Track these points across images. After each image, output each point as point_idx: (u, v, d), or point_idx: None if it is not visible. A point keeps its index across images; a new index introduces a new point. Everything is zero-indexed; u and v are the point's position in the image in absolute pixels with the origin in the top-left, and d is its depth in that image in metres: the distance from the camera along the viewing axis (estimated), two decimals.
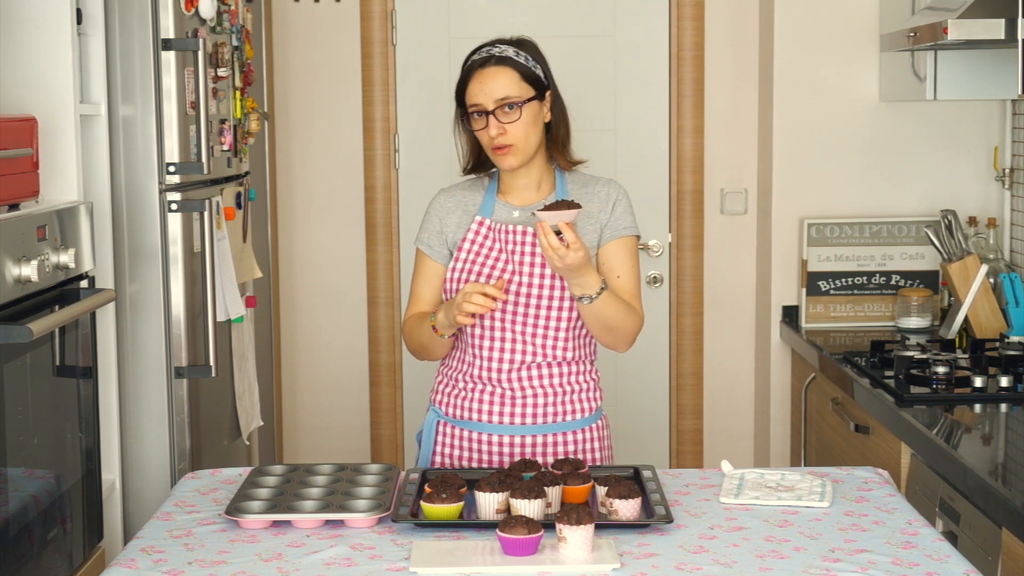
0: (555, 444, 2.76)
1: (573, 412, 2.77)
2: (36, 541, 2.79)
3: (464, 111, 2.73)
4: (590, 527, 2.15)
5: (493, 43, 2.73)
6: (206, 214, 3.38)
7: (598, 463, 2.80)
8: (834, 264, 4.29)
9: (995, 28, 3.32)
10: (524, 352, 2.72)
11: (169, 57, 3.32)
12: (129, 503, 3.43)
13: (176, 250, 3.38)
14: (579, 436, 2.78)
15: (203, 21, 3.47)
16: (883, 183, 4.32)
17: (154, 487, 3.41)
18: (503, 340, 2.72)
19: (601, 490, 2.39)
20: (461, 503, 2.35)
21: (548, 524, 2.23)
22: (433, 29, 4.57)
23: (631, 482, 2.37)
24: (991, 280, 3.92)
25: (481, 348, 2.74)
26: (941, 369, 3.31)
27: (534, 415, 2.75)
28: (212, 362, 3.42)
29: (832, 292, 4.29)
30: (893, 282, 4.28)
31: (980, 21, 3.33)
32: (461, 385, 2.78)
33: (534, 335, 2.72)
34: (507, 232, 2.72)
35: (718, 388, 4.67)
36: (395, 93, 4.59)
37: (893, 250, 4.28)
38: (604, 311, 2.64)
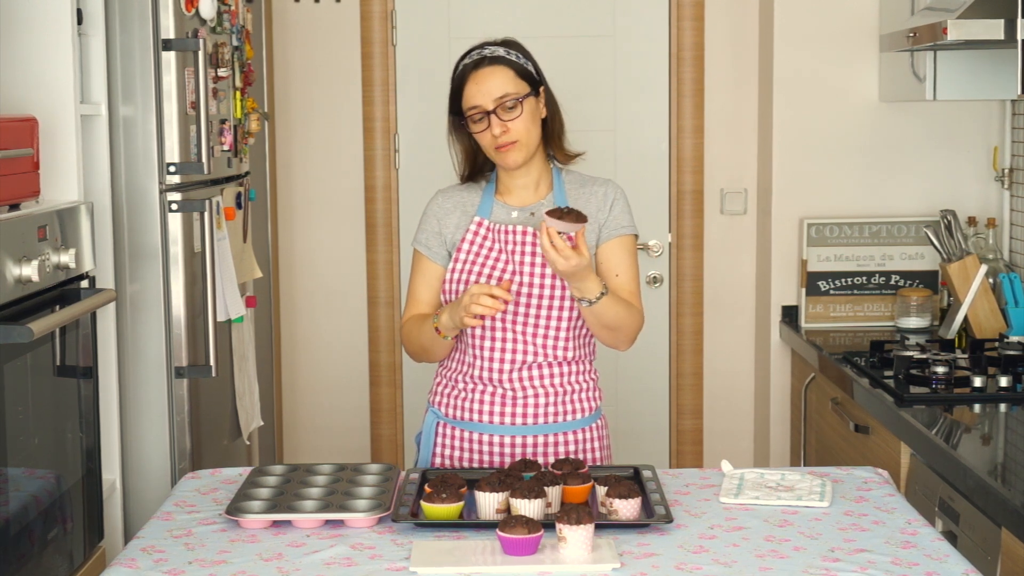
0: (555, 444, 2.76)
1: (573, 412, 2.78)
2: (36, 541, 2.79)
3: (459, 118, 2.73)
4: (590, 527, 2.15)
5: (482, 45, 2.73)
6: (206, 214, 3.39)
7: (598, 463, 2.81)
8: (834, 264, 4.29)
9: (995, 28, 3.32)
10: (525, 352, 2.73)
11: (169, 57, 3.32)
12: (129, 503, 3.43)
13: (176, 250, 3.38)
14: (579, 436, 2.78)
15: (203, 21, 3.47)
16: (883, 183, 4.32)
17: (154, 487, 3.41)
18: (504, 340, 2.73)
19: (601, 490, 2.39)
20: (461, 503, 2.35)
21: (548, 524, 2.23)
22: (433, 29, 4.58)
23: (631, 482, 2.37)
24: (990, 280, 3.92)
25: (482, 348, 2.74)
26: (941, 369, 3.31)
27: (535, 415, 2.75)
28: (212, 362, 3.43)
29: (832, 292, 4.29)
30: (893, 282, 4.28)
31: (980, 21, 3.33)
32: (461, 386, 2.78)
33: (535, 335, 2.72)
34: (506, 232, 2.72)
35: (718, 388, 4.67)
36: (395, 93, 4.60)
37: (893, 250, 4.28)
38: (605, 313, 2.64)
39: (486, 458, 2.77)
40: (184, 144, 3.37)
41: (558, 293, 2.70)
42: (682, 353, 4.64)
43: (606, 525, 2.29)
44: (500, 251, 2.72)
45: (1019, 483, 2.58)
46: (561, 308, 2.71)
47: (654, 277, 4.63)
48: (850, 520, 2.36)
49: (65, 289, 2.95)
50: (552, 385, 2.75)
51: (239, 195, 3.77)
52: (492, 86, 2.67)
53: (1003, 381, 3.26)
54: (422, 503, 2.35)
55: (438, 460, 2.81)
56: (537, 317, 2.71)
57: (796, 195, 4.35)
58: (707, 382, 4.67)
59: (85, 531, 3.08)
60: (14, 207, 2.81)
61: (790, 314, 4.37)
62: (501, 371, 2.73)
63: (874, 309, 4.28)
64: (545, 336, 2.73)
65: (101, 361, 3.26)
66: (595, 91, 4.58)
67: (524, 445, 2.75)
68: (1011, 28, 3.29)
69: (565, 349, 2.75)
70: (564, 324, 2.73)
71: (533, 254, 2.71)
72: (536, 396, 2.74)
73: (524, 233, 2.72)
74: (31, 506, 2.77)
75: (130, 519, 3.43)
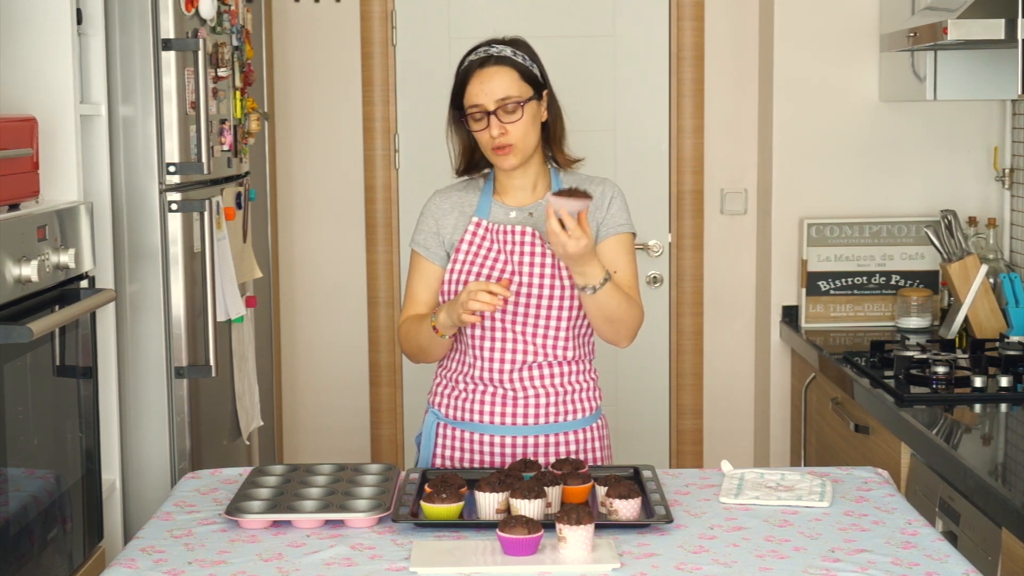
0: (555, 444, 2.76)
1: (573, 412, 2.78)
2: (36, 541, 2.79)
3: (460, 113, 2.73)
4: (590, 527, 2.15)
5: (489, 43, 2.73)
6: (206, 214, 3.39)
7: (598, 463, 2.80)
8: (834, 264, 4.29)
9: (995, 28, 3.32)
10: (525, 352, 2.72)
11: (169, 57, 3.32)
12: (129, 503, 3.43)
13: (176, 250, 3.38)
14: (579, 436, 2.78)
15: (203, 21, 3.47)
16: (883, 183, 4.32)
17: (154, 487, 3.41)
18: (503, 340, 2.72)
19: (601, 490, 2.39)
20: (461, 503, 2.35)
21: (548, 524, 2.23)
22: (433, 29, 4.57)
23: (631, 482, 2.37)
24: (991, 280, 3.92)
25: (482, 349, 2.74)
26: (941, 369, 3.31)
27: (535, 415, 2.75)
28: (212, 362, 3.43)
29: (832, 292, 4.29)
30: (893, 282, 4.28)
31: (980, 21, 3.33)
32: (461, 387, 2.78)
33: (534, 335, 2.72)
34: (505, 232, 2.72)
35: (718, 388, 4.67)
36: (395, 93, 4.60)
37: (893, 250, 4.28)
38: (607, 302, 2.63)
39: (486, 458, 2.77)
40: (184, 144, 3.37)
41: (558, 293, 2.70)
42: (682, 353, 4.64)
43: (606, 525, 2.29)
44: (499, 251, 2.72)
45: (1019, 483, 2.58)
46: (561, 308, 2.71)
47: (654, 277, 4.63)
48: (850, 520, 2.36)
49: (65, 289, 2.95)
50: (552, 385, 2.75)
51: (239, 195, 3.77)
52: (495, 87, 2.67)
53: (1003, 381, 3.26)
54: (422, 503, 2.35)
55: (438, 461, 2.81)
56: (537, 317, 2.71)
57: (796, 195, 4.35)
58: (707, 382, 4.67)
59: (85, 531, 3.07)
60: (14, 207, 2.81)
61: (790, 314, 4.37)
62: (501, 371, 2.73)
63: (874, 309, 4.28)
64: (545, 336, 2.72)
65: (101, 361, 3.26)
66: (595, 91, 4.58)
67: (524, 445, 2.75)
68: (1011, 28, 3.29)
69: (565, 349, 2.75)
70: (564, 324, 2.73)
71: (532, 254, 2.70)
72: (536, 396, 2.74)
73: (523, 233, 2.72)
74: (31, 506, 2.77)
75: (130, 519, 3.43)
